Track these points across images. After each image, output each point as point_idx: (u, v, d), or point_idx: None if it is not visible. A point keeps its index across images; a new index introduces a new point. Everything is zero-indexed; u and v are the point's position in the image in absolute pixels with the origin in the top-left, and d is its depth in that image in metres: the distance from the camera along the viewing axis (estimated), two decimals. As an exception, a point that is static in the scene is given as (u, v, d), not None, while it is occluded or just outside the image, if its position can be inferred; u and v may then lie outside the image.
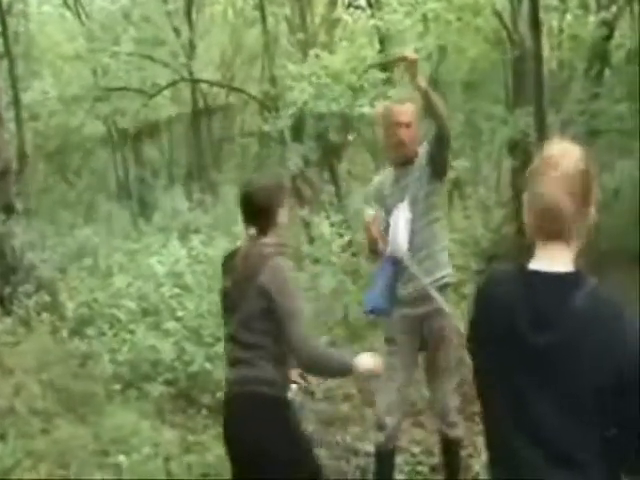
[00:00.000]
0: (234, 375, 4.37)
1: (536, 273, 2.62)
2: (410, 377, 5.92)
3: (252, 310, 4.26)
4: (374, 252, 5.81)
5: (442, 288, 5.72)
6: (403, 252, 5.58)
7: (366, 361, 4.24)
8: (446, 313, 5.69)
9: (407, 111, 5.83)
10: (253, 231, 4.39)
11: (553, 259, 2.62)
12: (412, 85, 5.60)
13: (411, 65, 5.56)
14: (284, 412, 4.30)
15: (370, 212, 5.77)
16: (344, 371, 4.29)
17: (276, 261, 4.25)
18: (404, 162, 5.79)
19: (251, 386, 4.28)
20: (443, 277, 5.70)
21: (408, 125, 5.76)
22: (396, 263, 5.65)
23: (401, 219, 5.63)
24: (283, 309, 4.17)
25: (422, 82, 5.57)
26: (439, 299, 5.45)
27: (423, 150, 5.77)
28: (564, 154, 2.62)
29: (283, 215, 4.42)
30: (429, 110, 5.57)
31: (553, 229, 2.59)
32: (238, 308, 4.32)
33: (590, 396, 2.49)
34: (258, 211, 4.40)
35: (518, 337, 2.58)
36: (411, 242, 5.64)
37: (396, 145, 5.80)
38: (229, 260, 4.49)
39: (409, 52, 5.65)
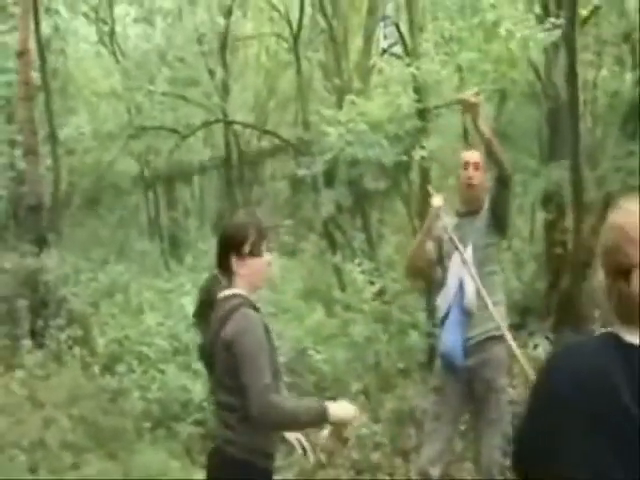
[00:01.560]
0: (215, 432, 4.28)
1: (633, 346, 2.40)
2: (456, 428, 5.92)
3: (222, 367, 4.07)
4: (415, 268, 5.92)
5: (492, 340, 5.73)
6: (472, 302, 5.62)
7: (340, 409, 4.01)
8: (497, 365, 5.71)
9: (477, 155, 5.89)
10: (223, 280, 4.18)
11: None
12: (474, 128, 5.65)
13: (472, 108, 5.59)
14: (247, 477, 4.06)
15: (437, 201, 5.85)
16: (315, 421, 4.04)
17: (241, 312, 4.02)
18: (469, 211, 5.83)
19: (222, 446, 4.11)
20: (495, 329, 5.70)
21: (476, 166, 5.81)
22: (464, 313, 5.69)
23: (468, 268, 5.66)
24: (241, 360, 3.96)
25: (484, 126, 5.61)
26: (513, 344, 5.42)
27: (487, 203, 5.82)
28: None
29: (256, 262, 4.16)
30: (489, 155, 5.61)
31: None
32: (213, 365, 4.16)
33: None
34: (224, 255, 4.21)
35: (624, 412, 2.37)
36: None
37: (465, 186, 5.85)
38: (199, 312, 4.29)
39: (470, 94, 5.68)
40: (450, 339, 5.74)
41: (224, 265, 4.17)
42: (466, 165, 5.86)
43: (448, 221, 5.97)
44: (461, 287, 5.74)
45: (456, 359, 5.70)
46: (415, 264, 6.09)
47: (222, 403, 4.13)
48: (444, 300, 5.85)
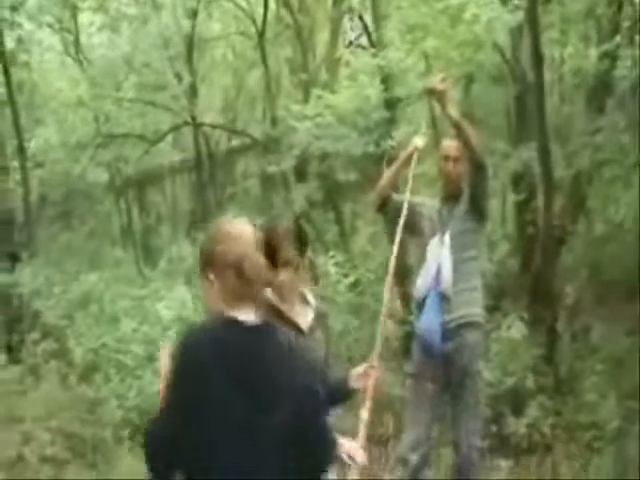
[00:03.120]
0: None
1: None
2: (435, 413, 5.90)
3: None
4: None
5: (467, 326, 5.72)
6: (449, 287, 5.62)
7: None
8: (473, 350, 5.70)
9: (454, 146, 5.87)
10: None
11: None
12: (444, 115, 5.63)
13: (440, 95, 5.59)
14: None
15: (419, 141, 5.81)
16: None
17: None
18: (450, 198, 5.82)
19: None
20: (470, 315, 5.70)
21: (456, 159, 5.80)
22: (442, 297, 5.67)
23: (445, 256, 5.66)
24: None
25: (453, 112, 5.58)
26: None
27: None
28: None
29: None
30: (462, 141, 5.59)
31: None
32: None
33: None
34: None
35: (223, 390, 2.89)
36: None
37: (446, 179, 5.86)
38: None
39: (437, 81, 5.65)
40: (428, 322, 5.74)
41: None
42: (446, 159, 5.88)
43: (429, 203, 5.99)
44: (439, 271, 5.73)
45: (434, 342, 5.70)
46: (385, 193, 6.05)
47: None
48: (423, 283, 5.84)
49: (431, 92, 5.78)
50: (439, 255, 5.76)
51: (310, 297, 4.22)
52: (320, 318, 4.21)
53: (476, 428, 5.89)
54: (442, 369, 5.79)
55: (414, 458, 5.80)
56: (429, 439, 5.94)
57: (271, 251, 4.00)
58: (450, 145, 5.98)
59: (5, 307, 11.03)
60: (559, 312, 8.85)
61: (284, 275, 3.94)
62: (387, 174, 6.16)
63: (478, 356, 5.94)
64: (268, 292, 3.85)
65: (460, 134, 5.65)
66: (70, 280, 12.50)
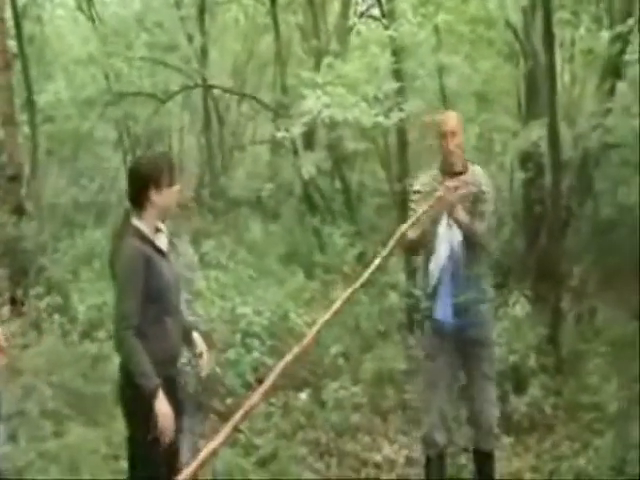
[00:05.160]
0: None
1: None
2: (452, 391, 5.96)
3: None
4: None
5: (479, 300, 5.81)
6: (462, 267, 5.66)
7: (163, 407, 4.57)
8: (486, 322, 5.75)
9: (452, 120, 5.86)
10: (134, 213, 4.68)
11: None
12: (452, 220, 5.64)
13: (450, 204, 5.58)
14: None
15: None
16: (141, 388, 4.55)
17: (126, 242, 4.58)
18: (454, 173, 5.82)
19: None
20: (481, 290, 5.79)
21: (453, 134, 5.79)
22: (456, 278, 5.71)
23: (456, 235, 5.68)
24: (117, 287, 4.60)
25: (461, 216, 5.59)
26: None
27: (482, 176, 5.82)
28: None
29: (161, 197, 4.65)
30: (471, 238, 5.64)
31: None
32: None
33: None
34: (131, 190, 4.71)
35: None
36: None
37: (446, 155, 5.85)
38: (113, 243, 4.80)
39: (448, 190, 5.62)
40: (445, 305, 5.75)
41: (138, 199, 4.67)
42: (445, 135, 5.84)
43: (426, 180, 5.98)
44: (452, 251, 5.75)
45: (450, 324, 5.73)
46: (418, 245, 6.04)
47: None
48: (436, 266, 5.84)
49: (440, 199, 5.70)
50: (450, 235, 5.77)
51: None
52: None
53: (494, 398, 5.96)
54: (456, 344, 5.83)
55: (440, 437, 5.87)
56: (449, 415, 6.02)
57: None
58: (448, 118, 5.97)
59: (10, 261, 11.01)
60: (564, 293, 8.88)
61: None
62: (419, 232, 5.95)
63: (490, 328, 6.01)
64: None
65: (470, 235, 5.69)
66: (76, 235, 12.54)
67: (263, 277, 10.57)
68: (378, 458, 6.94)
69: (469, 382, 6.01)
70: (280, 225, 14.62)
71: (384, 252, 4.79)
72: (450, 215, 5.67)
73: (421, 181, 6.06)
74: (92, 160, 17.59)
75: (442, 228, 5.79)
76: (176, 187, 4.73)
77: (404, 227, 5.17)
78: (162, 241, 4.78)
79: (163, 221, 4.82)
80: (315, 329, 4.01)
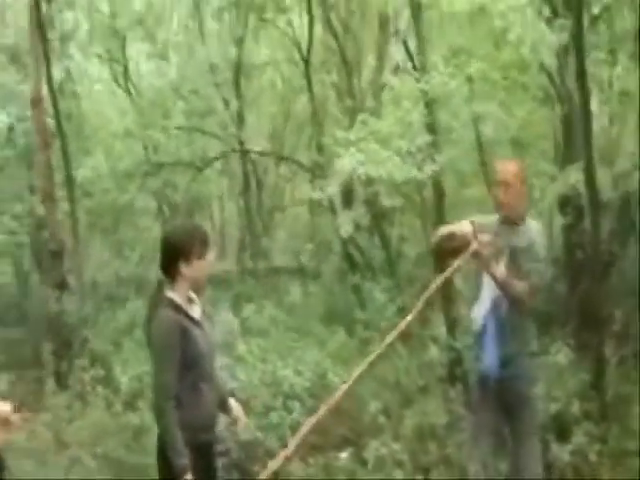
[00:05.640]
0: None
1: None
2: (493, 443, 5.84)
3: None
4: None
5: (522, 353, 5.70)
6: (506, 316, 5.56)
7: None
8: (530, 377, 5.63)
9: (509, 170, 5.75)
10: (167, 284, 4.71)
11: None
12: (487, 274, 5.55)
13: (484, 258, 5.49)
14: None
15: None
16: (172, 462, 4.53)
17: (161, 313, 4.60)
18: (507, 222, 5.72)
19: None
20: (524, 342, 5.69)
21: (507, 185, 5.67)
22: (501, 327, 5.60)
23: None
24: (153, 358, 4.64)
25: (497, 272, 5.50)
26: None
27: (536, 231, 5.72)
28: None
29: (191, 269, 4.66)
30: (510, 298, 5.54)
31: None
32: None
33: None
34: (162, 261, 4.73)
35: None
36: None
37: (498, 205, 5.75)
38: (148, 314, 4.79)
39: (482, 245, 5.53)
40: (490, 354, 5.65)
41: (169, 270, 4.70)
42: (499, 184, 5.74)
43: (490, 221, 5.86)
44: (497, 300, 5.64)
45: (494, 374, 5.62)
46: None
47: None
48: (479, 313, 5.75)
49: (475, 254, 5.59)
50: (493, 285, 5.66)
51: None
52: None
53: (537, 455, 5.82)
54: (499, 398, 5.71)
55: None
56: (492, 470, 5.89)
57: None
58: (504, 169, 5.83)
59: (55, 335, 11.14)
60: (607, 338, 8.71)
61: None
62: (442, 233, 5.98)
63: (534, 382, 5.87)
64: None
65: (507, 294, 5.58)
66: (117, 307, 12.62)
67: (304, 338, 10.53)
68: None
69: (512, 437, 5.88)
70: (320, 285, 14.58)
71: (418, 304, 4.73)
72: (485, 270, 5.57)
73: (480, 219, 5.93)
74: (133, 232, 17.68)
75: (487, 276, 5.69)
76: (208, 259, 4.76)
77: (438, 281, 5.09)
78: (195, 310, 4.82)
79: (196, 291, 4.84)
80: (346, 384, 3.94)
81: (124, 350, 10.86)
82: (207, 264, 4.76)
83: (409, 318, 4.53)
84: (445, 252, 5.92)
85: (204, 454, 4.76)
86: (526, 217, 5.83)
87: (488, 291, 5.67)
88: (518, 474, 5.86)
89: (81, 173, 14.94)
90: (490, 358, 5.64)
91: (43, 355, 11.03)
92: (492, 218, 5.92)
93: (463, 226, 5.71)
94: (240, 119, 16.89)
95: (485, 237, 5.55)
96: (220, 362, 8.85)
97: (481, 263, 5.55)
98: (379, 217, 13.67)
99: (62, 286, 11.83)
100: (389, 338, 4.30)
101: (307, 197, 15.25)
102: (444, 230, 5.96)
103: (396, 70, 16.92)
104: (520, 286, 5.54)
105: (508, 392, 5.68)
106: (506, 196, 5.68)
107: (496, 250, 5.51)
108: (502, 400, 5.72)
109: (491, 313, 5.67)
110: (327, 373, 8.84)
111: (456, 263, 5.47)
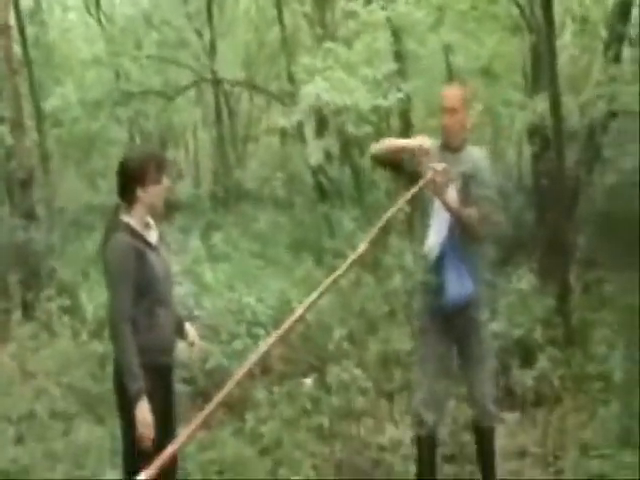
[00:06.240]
0: None
1: None
2: (443, 367, 5.87)
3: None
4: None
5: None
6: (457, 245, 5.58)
7: (144, 414, 4.60)
8: (476, 302, 5.66)
9: (453, 96, 5.72)
10: (124, 208, 4.72)
11: None
12: (440, 201, 5.51)
13: (438, 187, 5.43)
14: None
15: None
16: (127, 385, 4.62)
17: (116, 237, 4.62)
18: (451, 147, 5.70)
19: None
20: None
21: (454, 110, 5.64)
22: (454, 252, 5.62)
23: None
24: (108, 286, 4.67)
25: (450, 201, 5.46)
26: None
27: (479, 157, 5.71)
28: None
29: (147, 194, 4.68)
30: (461, 226, 5.51)
31: None
32: None
33: None
34: (118, 186, 4.74)
35: None
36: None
37: (442, 130, 5.72)
38: (104, 237, 4.80)
39: (438, 174, 5.46)
40: (450, 283, 5.65)
41: (126, 195, 4.69)
42: (445, 110, 5.69)
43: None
44: (452, 228, 5.63)
45: (454, 302, 5.64)
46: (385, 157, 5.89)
47: None
48: (435, 241, 5.73)
49: (430, 181, 5.52)
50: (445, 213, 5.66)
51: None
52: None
53: (487, 377, 5.86)
54: (449, 322, 5.74)
55: (429, 415, 5.78)
56: (440, 394, 5.93)
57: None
58: (450, 94, 5.79)
59: (22, 265, 11.09)
60: (572, 264, 8.78)
61: None
62: (389, 146, 5.93)
63: (483, 307, 5.90)
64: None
65: (460, 221, 5.54)
66: (86, 237, 12.59)
67: (270, 266, 10.56)
68: (382, 440, 6.89)
69: (462, 362, 5.93)
70: (289, 214, 14.58)
71: (368, 237, 4.70)
72: (438, 198, 5.55)
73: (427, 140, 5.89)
74: (104, 161, 17.58)
75: (437, 203, 5.66)
76: (164, 184, 4.76)
77: (390, 212, 5.07)
78: (152, 235, 4.83)
79: (153, 217, 4.87)
80: (294, 315, 3.91)
81: (91, 279, 10.85)
82: (163, 189, 4.75)
83: (361, 249, 4.49)
84: (384, 162, 5.93)
85: (162, 377, 4.81)
86: (467, 144, 5.80)
87: (440, 219, 5.66)
88: (470, 397, 5.93)
89: (51, 102, 14.84)
90: (450, 286, 5.65)
91: (10, 286, 11.00)
92: (430, 143, 5.90)
93: (418, 143, 5.64)
94: (213, 49, 16.76)
95: (439, 166, 5.51)
96: (186, 289, 8.96)
97: (435, 190, 5.51)
98: (349, 146, 13.64)
99: (31, 216, 11.77)
100: (341, 268, 4.27)
101: (278, 126, 15.24)
102: (394, 143, 5.89)
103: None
104: (472, 214, 5.54)
105: (458, 318, 5.69)
106: (453, 122, 5.64)
107: (448, 177, 5.48)
108: (451, 327, 5.75)
109: (447, 241, 5.66)
110: (292, 301, 8.87)
111: (411, 191, 5.43)
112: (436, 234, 5.70)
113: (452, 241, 5.64)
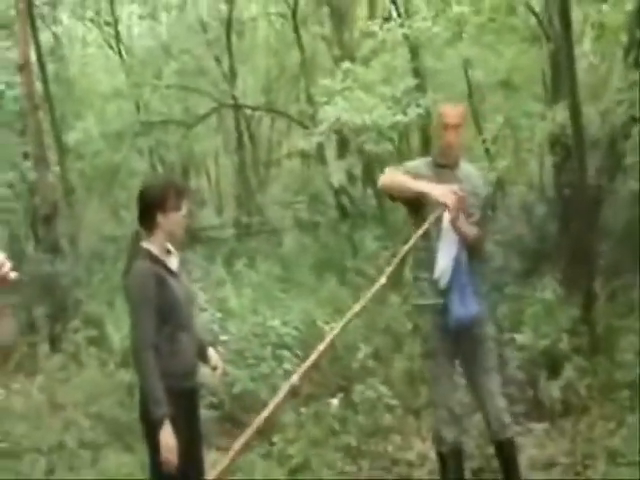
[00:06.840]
0: None
1: None
2: (454, 383, 5.85)
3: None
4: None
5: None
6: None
7: (167, 438, 4.55)
8: (484, 317, 5.62)
9: (456, 113, 5.68)
10: (144, 235, 4.75)
11: None
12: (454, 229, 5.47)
13: (453, 211, 5.40)
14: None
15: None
16: (151, 408, 4.58)
17: (136, 264, 4.65)
18: (447, 164, 5.67)
19: None
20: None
21: (457, 127, 5.62)
22: (461, 277, 5.57)
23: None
24: (130, 313, 4.71)
25: (463, 226, 5.44)
26: None
27: (474, 174, 5.70)
28: None
29: (168, 221, 4.71)
30: (471, 249, 5.51)
31: None
32: None
33: None
34: (139, 213, 4.77)
35: None
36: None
37: (445, 147, 5.67)
38: (126, 265, 4.81)
39: (453, 199, 5.38)
40: (459, 308, 5.60)
41: (146, 222, 4.73)
42: (446, 127, 5.65)
43: (424, 164, 5.80)
44: (459, 254, 5.59)
45: (463, 324, 5.59)
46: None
47: None
48: (446, 267, 5.67)
49: (444, 205, 5.46)
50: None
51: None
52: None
53: (497, 390, 5.79)
54: (456, 341, 5.70)
55: (448, 433, 5.74)
56: (458, 411, 5.89)
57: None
58: (453, 112, 5.74)
59: (48, 298, 11.17)
60: (596, 272, 8.69)
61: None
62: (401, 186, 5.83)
63: (487, 322, 5.85)
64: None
65: (470, 243, 5.52)
66: (110, 268, 12.63)
67: (294, 288, 10.56)
68: (410, 456, 6.84)
69: (470, 378, 5.88)
70: (313, 236, 14.57)
71: (388, 270, 4.64)
72: (452, 223, 5.49)
73: (413, 164, 5.88)
74: (126, 192, 17.65)
75: (446, 222, 5.61)
76: (184, 211, 4.79)
77: (408, 245, 5.01)
78: (173, 261, 4.85)
79: (174, 244, 4.89)
80: (328, 338, 3.88)
81: (116, 309, 10.89)
82: (183, 216, 4.78)
83: (381, 282, 4.44)
84: (393, 197, 5.90)
85: (186, 402, 4.81)
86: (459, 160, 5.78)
87: (448, 242, 5.59)
88: (482, 411, 5.86)
89: (73, 136, 14.94)
90: (455, 308, 5.58)
91: (37, 319, 11.07)
92: (418, 162, 5.88)
93: (439, 194, 5.53)
94: (232, 75, 16.83)
95: (457, 189, 5.46)
96: (211, 315, 8.95)
97: (453, 217, 5.46)
98: (371, 166, 13.61)
99: (55, 249, 11.88)
100: (362, 300, 4.21)
101: (299, 149, 15.26)
102: (406, 185, 5.76)
103: (387, 19, 16.84)
104: (477, 232, 5.55)
105: (464, 337, 5.65)
106: (457, 139, 5.62)
107: (464, 203, 5.45)
108: (458, 345, 5.71)
109: (456, 268, 5.61)
110: (316, 321, 8.85)
111: (428, 221, 5.40)
112: (445, 258, 5.63)
113: (458, 263, 5.59)
